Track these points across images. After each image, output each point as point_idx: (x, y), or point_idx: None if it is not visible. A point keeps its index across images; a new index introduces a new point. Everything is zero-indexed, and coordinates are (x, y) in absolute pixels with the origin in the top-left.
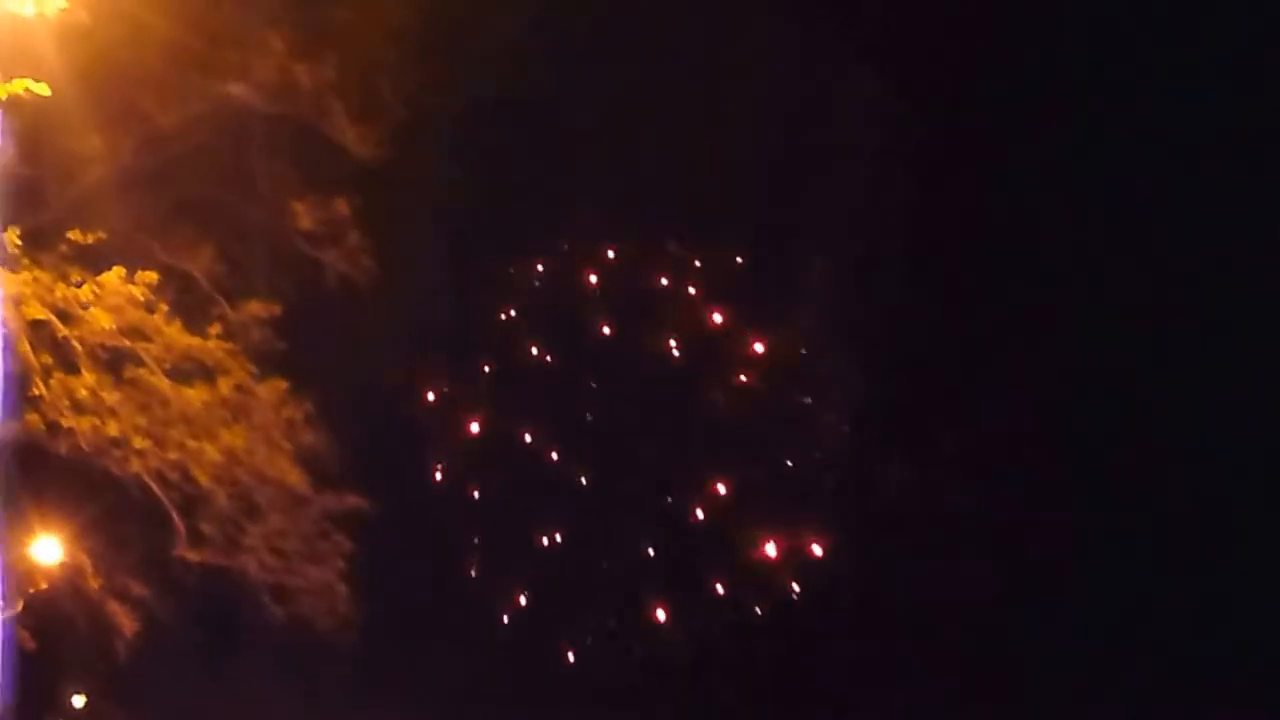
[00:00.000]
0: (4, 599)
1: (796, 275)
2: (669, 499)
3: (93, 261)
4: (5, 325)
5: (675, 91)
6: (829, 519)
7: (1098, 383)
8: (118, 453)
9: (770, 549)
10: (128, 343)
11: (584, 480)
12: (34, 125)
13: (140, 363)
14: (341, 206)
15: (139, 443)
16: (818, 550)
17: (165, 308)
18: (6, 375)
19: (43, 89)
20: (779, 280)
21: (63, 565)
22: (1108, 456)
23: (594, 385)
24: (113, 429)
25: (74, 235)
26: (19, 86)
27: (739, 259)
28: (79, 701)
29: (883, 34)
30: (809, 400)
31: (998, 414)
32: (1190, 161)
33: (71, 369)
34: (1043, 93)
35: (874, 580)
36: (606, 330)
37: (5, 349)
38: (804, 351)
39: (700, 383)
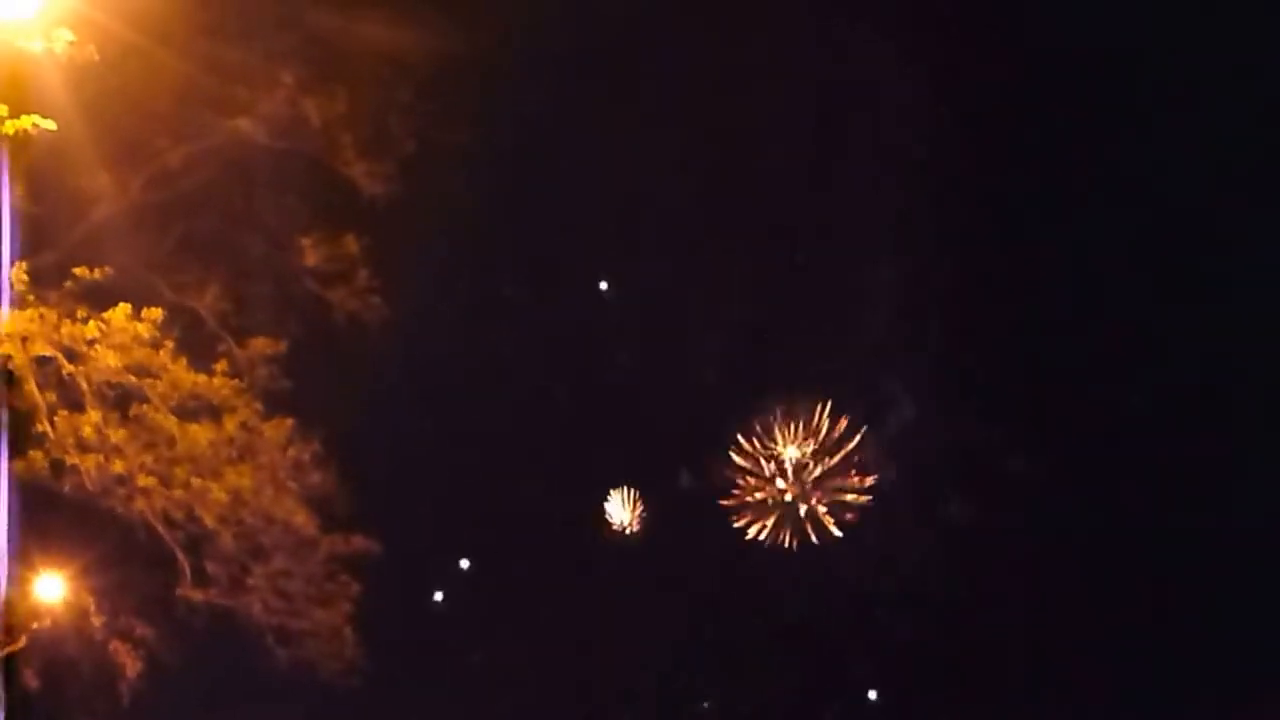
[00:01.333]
0: (7, 635)
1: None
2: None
3: (99, 299)
4: (11, 363)
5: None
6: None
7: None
8: (122, 491)
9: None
10: (134, 380)
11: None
12: (42, 162)
13: (146, 400)
14: (350, 244)
15: (144, 481)
16: None
17: (171, 345)
18: (12, 413)
19: (49, 125)
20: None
21: (66, 603)
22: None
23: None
24: (118, 467)
25: (80, 272)
26: (26, 123)
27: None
28: None
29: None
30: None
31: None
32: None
33: (77, 407)
34: (1114, 128)
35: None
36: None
37: (11, 387)
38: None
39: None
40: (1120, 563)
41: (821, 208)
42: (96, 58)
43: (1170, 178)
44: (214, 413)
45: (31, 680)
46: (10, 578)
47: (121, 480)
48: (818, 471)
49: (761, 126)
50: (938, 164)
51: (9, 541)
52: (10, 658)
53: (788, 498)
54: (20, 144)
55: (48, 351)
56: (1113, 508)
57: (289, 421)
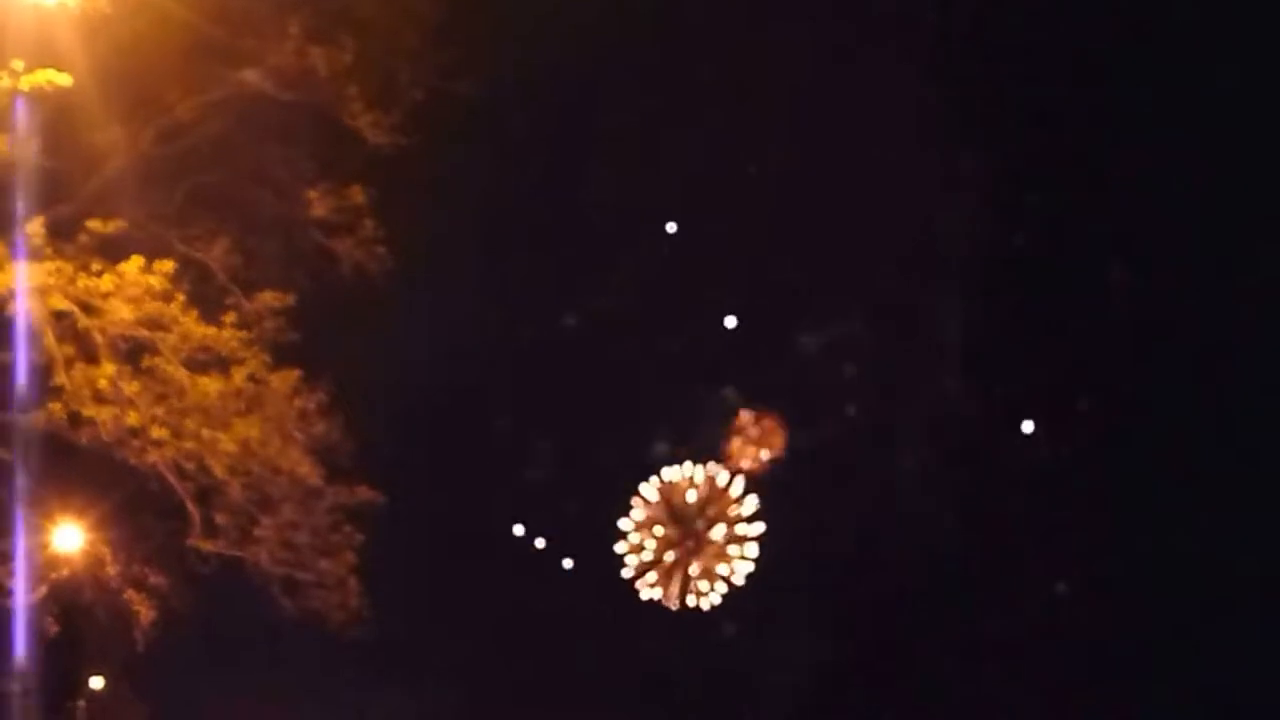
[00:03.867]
0: (28, 584)
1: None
2: None
3: (112, 252)
4: (30, 316)
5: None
6: None
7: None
8: (136, 443)
9: None
10: (146, 333)
11: None
12: (55, 115)
13: (158, 353)
14: (357, 195)
15: (156, 433)
16: None
17: (182, 298)
18: (31, 366)
19: (65, 79)
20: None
21: (84, 553)
22: None
23: None
24: (132, 419)
25: (94, 225)
26: (43, 78)
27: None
28: (98, 684)
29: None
30: None
31: None
32: None
33: (92, 359)
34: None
35: None
36: None
37: (29, 339)
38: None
39: None
40: None
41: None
42: (108, 10)
43: None
44: (223, 365)
45: (50, 627)
46: (29, 528)
47: (135, 432)
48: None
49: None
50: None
51: (28, 492)
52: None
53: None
54: (35, 98)
55: (64, 304)
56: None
57: (296, 373)
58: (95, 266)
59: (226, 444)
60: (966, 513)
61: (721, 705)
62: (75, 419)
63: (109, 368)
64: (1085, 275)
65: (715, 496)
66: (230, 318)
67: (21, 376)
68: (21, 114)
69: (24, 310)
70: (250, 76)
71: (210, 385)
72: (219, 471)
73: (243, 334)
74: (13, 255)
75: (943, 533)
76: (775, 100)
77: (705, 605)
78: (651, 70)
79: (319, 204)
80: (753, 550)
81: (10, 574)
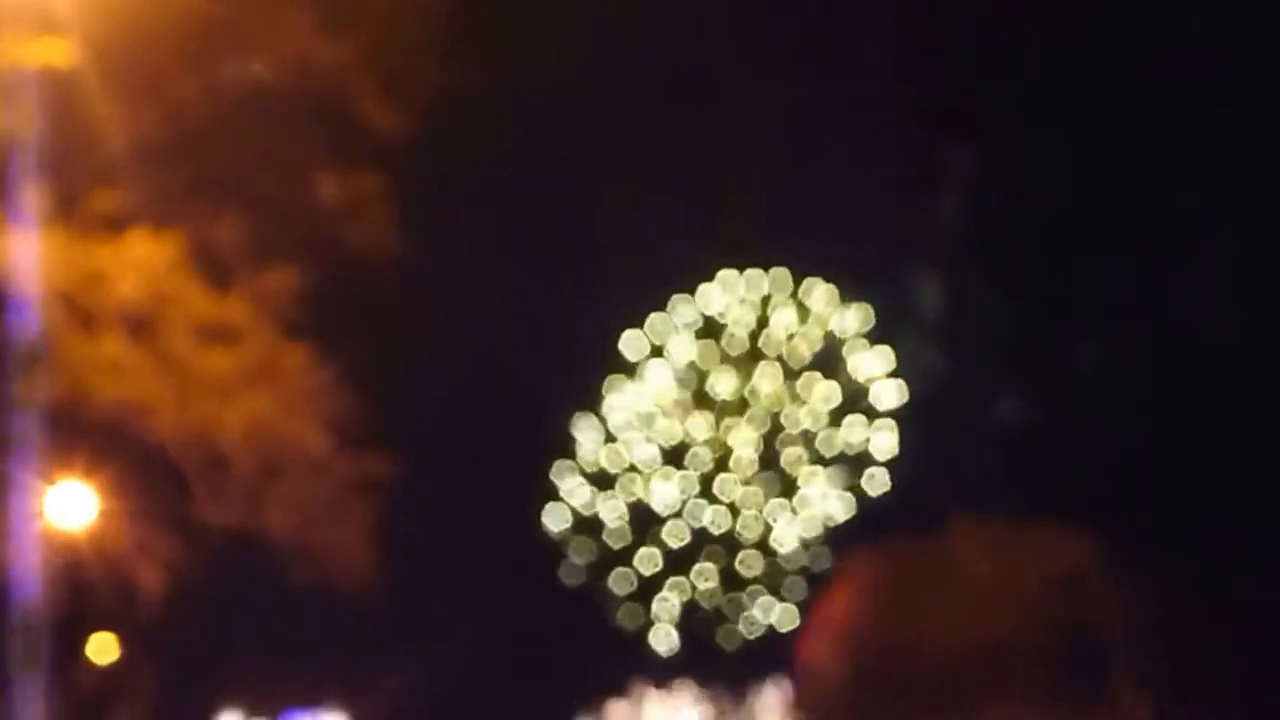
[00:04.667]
0: (33, 555)
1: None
2: None
3: (116, 228)
4: (32, 289)
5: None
6: None
7: None
8: (142, 416)
9: None
10: (151, 306)
11: None
12: (62, 92)
13: (164, 327)
14: (367, 178)
15: (163, 406)
16: None
17: (188, 272)
18: (34, 338)
19: (68, 57)
20: None
21: (89, 524)
22: None
23: None
24: (137, 392)
25: (100, 201)
26: (52, 55)
27: None
28: (106, 657)
29: None
30: None
31: None
32: None
33: (97, 332)
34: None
35: None
36: None
37: (32, 312)
38: None
39: None
40: None
41: None
42: None
43: None
44: (230, 338)
45: (59, 599)
46: (38, 500)
47: (141, 405)
48: None
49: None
50: None
51: (35, 464)
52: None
53: None
54: (44, 76)
55: (67, 277)
56: None
57: (305, 347)
58: (99, 239)
59: (235, 417)
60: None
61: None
62: (79, 392)
63: (114, 341)
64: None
65: None
66: (238, 293)
67: (22, 348)
68: (23, 89)
69: (25, 282)
70: (259, 56)
71: (218, 359)
72: (227, 443)
73: (251, 309)
74: (14, 227)
75: None
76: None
77: None
78: (668, 59)
79: (328, 188)
80: None
81: (13, 545)
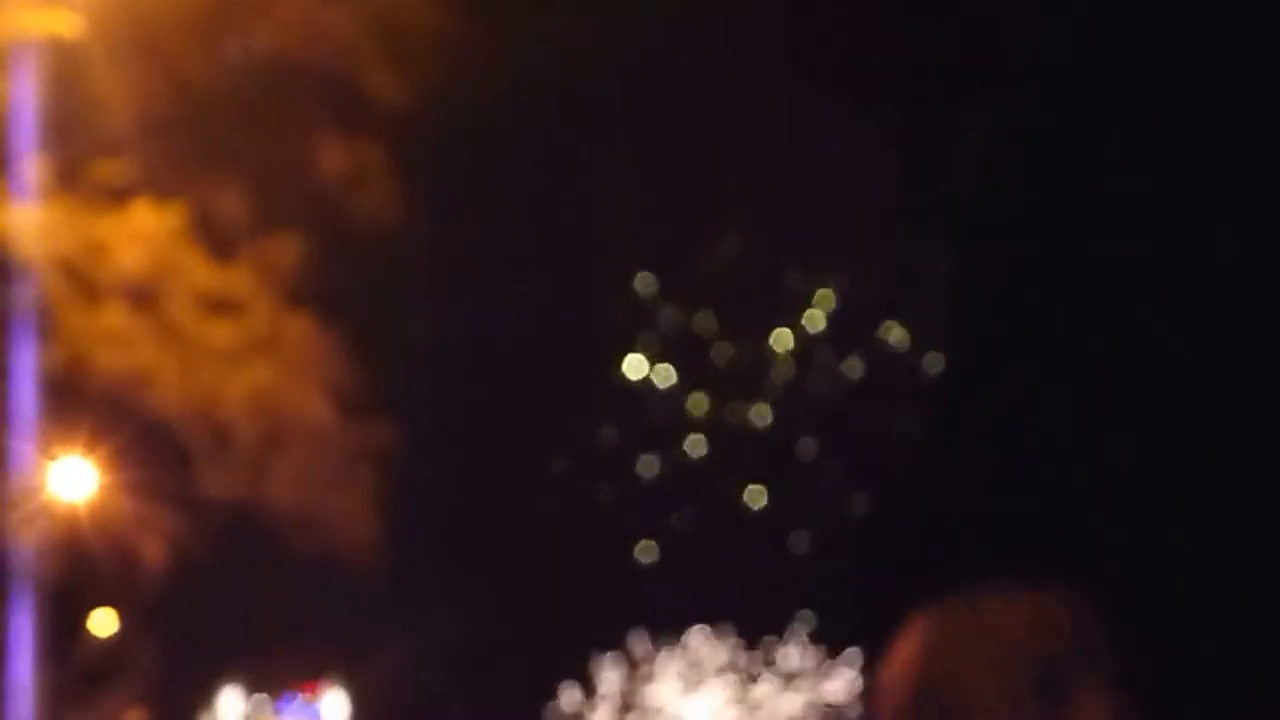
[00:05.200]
0: (32, 527)
1: None
2: None
3: (118, 199)
4: (34, 258)
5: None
6: None
7: None
8: (144, 387)
9: None
10: (153, 277)
11: None
12: (64, 61)
13: (166, 297)
14: (370, 149)
15: (165, 377)
16: None
17: (191, 242)
18: (36, 308)
19: (72, 28)
20: None
21: (91, 497)
22: None
23: None
24: (139, 362)
25: (102, 171)
26: (56, 24)
27: None
28: (106, 630)
29: None
30: None
31: None
32: None
33: (99, 302)
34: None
35: None
36: None
37: (34, 282)
38: None
39: None
40: None
41: None
42: None
43: None
44: (233, 309)
45: (58, 571)
46: (37, 470)
47: (143, 375)
48: None
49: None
50: None
51: (36, 435)
52: (38, 549)
53: None
54: (48, 46)
55: (71, 246)
56: None
57: (308, 317)
58: (102, 209)
59: (237, 388)
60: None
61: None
62: (81, 362)
63: (116, 311)
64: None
65: None
66: (242, 263)
67: (24, 319)
68: (27, 59)
69: (26, 251)
70: (261, 31)
71: (220, 330)
72: (229, 415)
73: (255, 279)
74: (15, 197)
75: None
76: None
77: None
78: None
79: (331, 157)
80: None
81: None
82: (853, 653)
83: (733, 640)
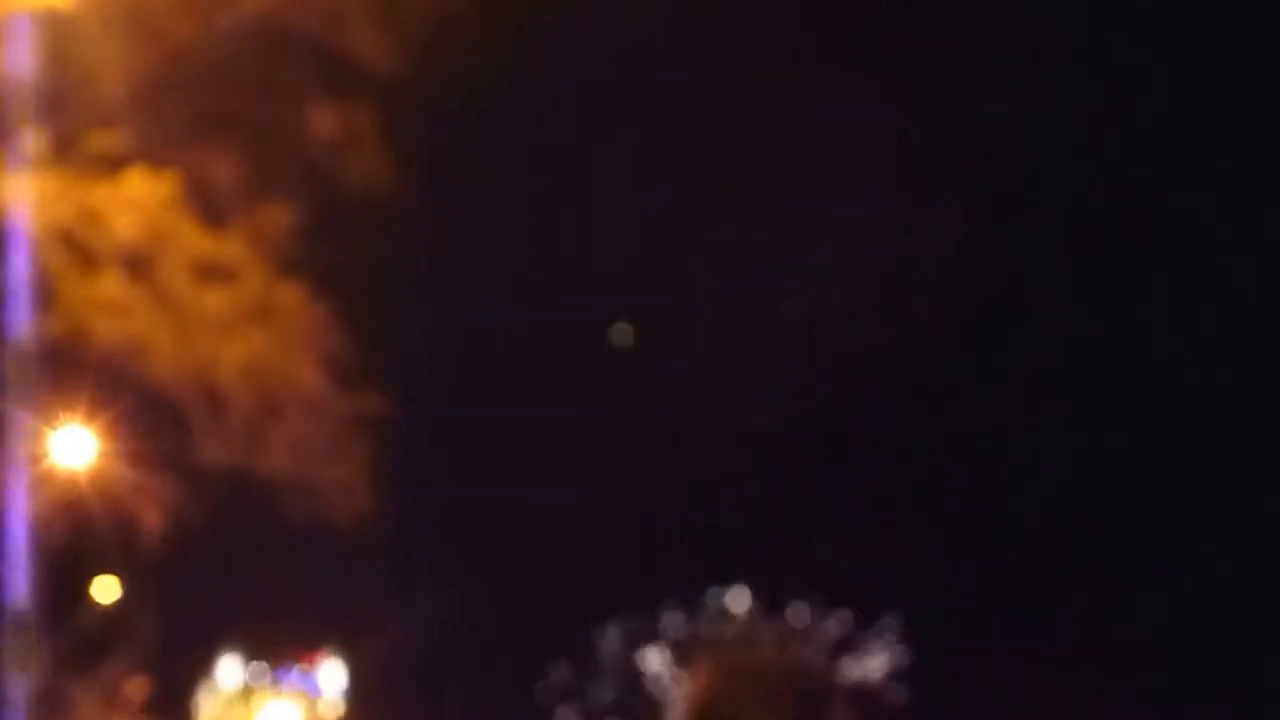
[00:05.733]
0: (31, 494)
1: None
2: None
3: (113, 168)
4: (29, 227)
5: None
6: None
7: None
8: (141, 356)
9: None
10: (149, 245)
11: None
12: (57, 31)
13: (161, 266)
14: (361, 113)
15: (161, 345)
16: None
17: (185, 210)
18: (32, 278)
19: (65, 0)
20: None
21: (89, 463)
22: None
23: None
24: (136, 330)
25: (97, 140)
26: None
27: None
28: (107, 596)
29: None
30: None
31: None
32: None
33: (94, 271)
34: None
35: None
36: None
37: (29, 251)
38: None
39: None
40: None
41: None
42: None
43: None
44: (227, 276)
45: (58, 538)
46: (36, 439)
47: (140, 344)
48: None
49: None
50: None
51: (34, 403)
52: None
53: None
54: (42, 17)
55: (67, 215)
56: None
57: (301, 284)
58: (96, 178)
59: (232, 356)
60: None
61: None
62: (78, 331)
63: (111, 280)
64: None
65: None
66: (236, 231)
67: (20, 288)
68: (21, 30)
69: (23, 221)
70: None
71: (215, 298)
72: (226, 381)
73: (248, 246)
74: (11, 167)
75: None
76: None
77: None
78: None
79: (322, 121)
80: None
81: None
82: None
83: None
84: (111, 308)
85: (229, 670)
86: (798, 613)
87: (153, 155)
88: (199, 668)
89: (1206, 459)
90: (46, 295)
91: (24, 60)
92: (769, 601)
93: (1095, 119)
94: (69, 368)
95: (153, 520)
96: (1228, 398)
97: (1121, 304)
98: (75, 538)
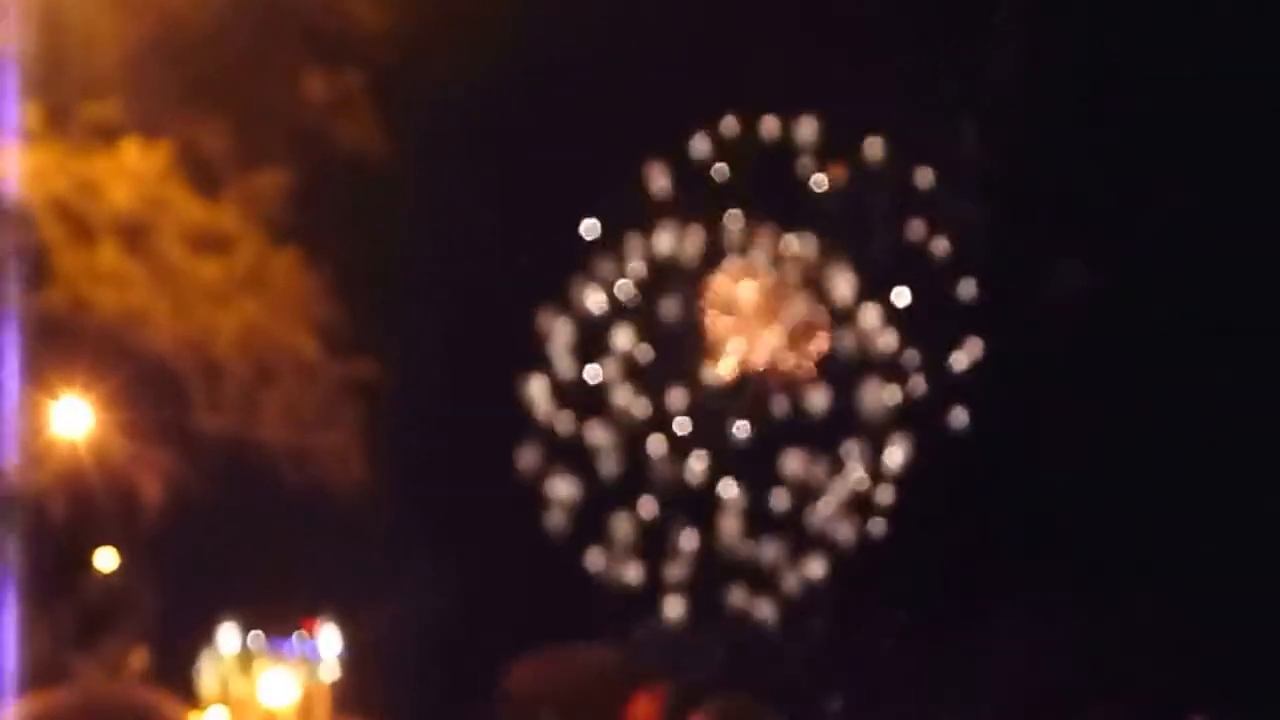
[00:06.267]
0: (30, 465)
1: None
2: None
3: (108, 138)
4: (27, 199)
5: None
6: None
7: None
8: (138, 325)
9: None
10: (145, 214)
11: None
12: (46, 4)
13: (157, 235)
14: (353, 78)
15: (158, 315)
16: None
17: (180, 179)
18: (30, 249)
19: None
20: None
21: (88, 433)
22: None
23: None
24: (132, 301)
25: (91, 110)
26: None
27: None
28: (108, 565)
29: None
30: None
31: None
32: None
33: (91, 242)
34: None
35: None
36: None
37: (28, 223)
38: None
39: None
40: None
41: None
42: None
43: None
44: (222, 245)
45: (56, 509)
46: (34, 410)
47: (137, 314)
48: None
49: None
50: None
51: (32, 374)
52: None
53: None
54: None
55: (61, 187)
56: None
57: (294, 252)
58: (92, 149)
59: (227, 324)
60: None
61: None
62: (75, 302)
63: (108, 250)
64: None
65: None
66: (229, 198)
67: (17, 259)
68: (12, 1)
69: (19, 193)
70: None
71: (210, 266)
72: (221, 350)
73: (242, 214)
74: (6, 139)
75: None
76: None
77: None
78: None
79: (313, 87)
80: None
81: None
82: None
83: None
84: (109, 279)
85: (228, 639)
86: None
87: (147, 125)
88: (199, 637)
89: (1206, 459)
90: (44, 267)
91: (17, 31)
92: None
93: (1095, 119)
94: (68, 338)
95: (152, 490)
96: (1228, 397)
97: (1121, 303)
98: (77, 510)
